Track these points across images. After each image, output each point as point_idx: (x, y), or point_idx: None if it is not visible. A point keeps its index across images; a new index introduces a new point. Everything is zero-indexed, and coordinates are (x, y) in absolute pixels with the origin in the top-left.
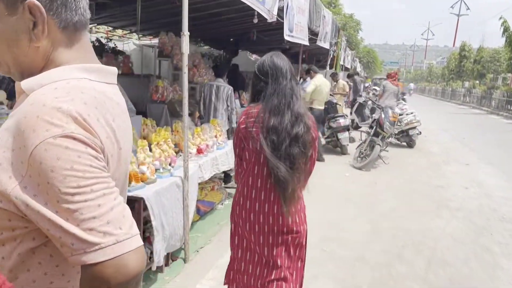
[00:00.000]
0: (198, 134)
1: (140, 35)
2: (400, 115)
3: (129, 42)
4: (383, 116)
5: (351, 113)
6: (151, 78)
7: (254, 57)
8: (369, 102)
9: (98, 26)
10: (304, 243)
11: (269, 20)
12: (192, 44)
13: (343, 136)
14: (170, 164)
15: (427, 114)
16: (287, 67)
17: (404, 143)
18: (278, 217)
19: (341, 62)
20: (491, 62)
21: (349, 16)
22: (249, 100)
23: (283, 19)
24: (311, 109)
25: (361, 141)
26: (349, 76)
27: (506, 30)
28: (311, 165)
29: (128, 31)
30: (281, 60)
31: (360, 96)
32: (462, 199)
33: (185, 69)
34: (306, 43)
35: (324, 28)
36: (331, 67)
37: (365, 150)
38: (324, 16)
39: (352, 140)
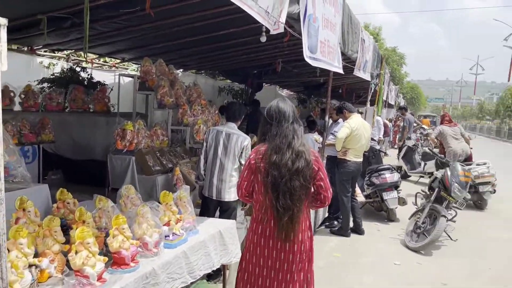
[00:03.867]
0: (118, 226)
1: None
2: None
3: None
4: (449, 173)
5: (398, 158)
6: (118, 118)
7: (285, 92)
8: (420, 146)
9: (78, 53)
10: (309, 257)
11: (273, 31)
12: (203, 77)
13: (390, 197)
14: None
15: (485, 158)
16: (290, 111)
17: (471, 202)
18: (285, 243)
19: (384, 98)
20: None
21: (392, 49)
22: (257, 140)
23: (300, 34)
24: (344, 161)
25: (415, 206)
26: (400, 109)
27: None
28: (325, 198)
29: (120, 60)
30: (285, 105)
31: (409, 138)
32: None
33: None
34: (339, 70)
35: (364, 55)
36: (372, 104)
37: (423, 223)
38: (364, 40)
39: (402, 202)
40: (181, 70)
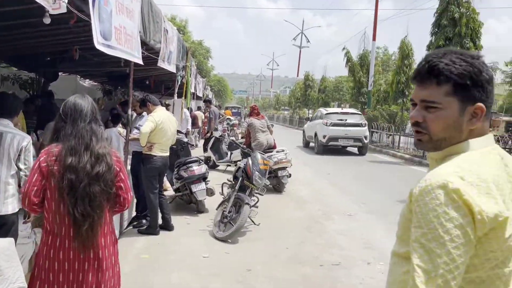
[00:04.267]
0: None
1: None
2: (267, 150)
3: None
4: (250, 163)
5: (206, 149)
6: None
7: (87, 82)
8: (227, 136)
9: None
10: (114, 262)
11: (52, 11)
12: None
13: (199, 189)
14: None
15: (283, 145)
16: (89, 109)
17: (271, 186)
18: (88, 251)
19: (192, 90)
20: (335, 91)
21: (198, 42)
22: (48, 139)
23: (90, 17)
24: (150, 157)
25: (222, 196)
26: (205, 102)
27: (349, 60)
28: (124, 200)
29: None
30: (83, 102)
31: (216, 129)
32: None
33: None
34: (139, 60)
35: (168, 46)
36: (180, 96)
37: (229, 212)
38: (167, 31)
39: (210, 192)
40: None
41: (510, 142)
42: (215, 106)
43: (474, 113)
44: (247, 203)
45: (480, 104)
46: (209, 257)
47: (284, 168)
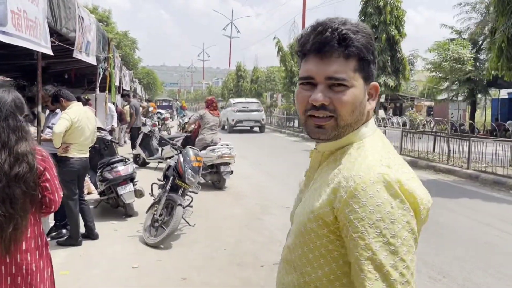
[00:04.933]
0: None
1: None
2: (209, 146)
3: None
4: (181, 160)
5: (134, 146)
6: None
7: None
8: (158, 131)
9: None
10: (39, 279)
11: None
12: None
13: (126, 191)
14: None
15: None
16: (7, 105)
17: (210, 182)
18: (4, 257)
19: (117, 83)
20: (267, 82)
21: (124, 33)
22: None
23: None
24: (66, 159)
25: (152, 197)
26: (123, 96)
27: (280, 49)
28: (51, 201)
29: None
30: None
31: (145, 124)
32: None
33: None
34: (47, 50)
35: (85, 35)
36: (103, 90)
37: (161, 215)
38: (82, 18)
39: (139, 194)
40: None
41: (434, 125)
42: (145, 100)
43: (369, 93)
44: (180, 204)
45: (375, 83)
46: (139, 268)
47: (227, 164)
